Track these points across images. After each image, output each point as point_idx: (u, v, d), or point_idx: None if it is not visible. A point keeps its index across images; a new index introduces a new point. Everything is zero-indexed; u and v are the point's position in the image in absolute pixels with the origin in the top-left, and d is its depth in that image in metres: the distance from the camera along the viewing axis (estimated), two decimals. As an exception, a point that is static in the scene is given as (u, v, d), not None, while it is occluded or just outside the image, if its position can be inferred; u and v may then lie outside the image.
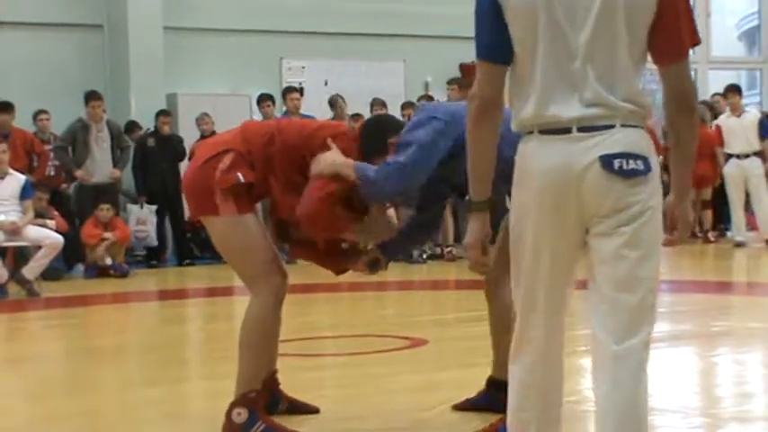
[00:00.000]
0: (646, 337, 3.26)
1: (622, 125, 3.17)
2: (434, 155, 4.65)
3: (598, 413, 3.27)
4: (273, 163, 4.88)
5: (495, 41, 3.29)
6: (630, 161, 3.15)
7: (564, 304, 3.40)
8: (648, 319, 3.26)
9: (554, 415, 3.39)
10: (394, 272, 12.72)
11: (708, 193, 14.89)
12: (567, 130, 3.18)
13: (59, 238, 11.43)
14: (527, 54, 3.23)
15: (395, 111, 13.72)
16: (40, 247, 11.22)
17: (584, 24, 3.15)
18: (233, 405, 4.93)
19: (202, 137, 13.72)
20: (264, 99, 14.33)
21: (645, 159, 3.18)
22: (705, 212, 15.02)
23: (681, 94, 3.25)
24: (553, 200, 3.21)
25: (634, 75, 3.20)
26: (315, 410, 5.48)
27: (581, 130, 3.16)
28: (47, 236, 11.38)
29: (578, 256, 3.33)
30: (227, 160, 4.85)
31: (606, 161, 3.14)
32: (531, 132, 3.23)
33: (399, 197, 5.05)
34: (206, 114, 14.24)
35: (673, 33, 3.19)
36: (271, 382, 5.27)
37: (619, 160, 3.14)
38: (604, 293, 3.26)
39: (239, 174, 4.81)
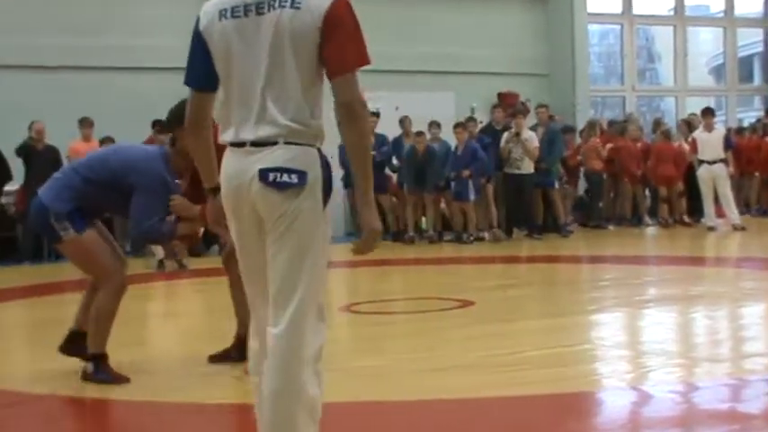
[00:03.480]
0: (299, 330, 2.88)
1: (286, 143, 2.87)
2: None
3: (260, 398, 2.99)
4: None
5: (201, 72, 3.04)
6: (285, 175, 2.85)
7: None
8: (303, 315, 2.88)
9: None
10: (448, 250, 12.76)
11: (679, 189, 14.90)
12: (243, 144, 2.91)
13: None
14: (224, 81, 2.98)
15: (448, 130, 13.73)
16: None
17: (262, 55, 2.86)
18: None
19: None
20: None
21: (301, 173, 2.86)
22: (679, 201, 15.00)
23: (345, 105, 2.89)
24: (233, 203, 2.98)
25: (303, 98, 2.88)
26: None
27: (253, 145, 2.89)
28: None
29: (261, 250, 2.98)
30: None
31: (263, 174, 2.86)
32: (226, 147, 3.00)
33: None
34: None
35: (335, 53, 2.85)
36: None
37: (273, 174, 2.85)
38: (271, 290, 2.92)
39: None
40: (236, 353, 5.22)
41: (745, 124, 18.41)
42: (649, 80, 22.00)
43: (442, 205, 13.83)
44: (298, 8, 2.83)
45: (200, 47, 3.01)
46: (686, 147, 14.63)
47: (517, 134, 13.40)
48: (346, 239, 14.78)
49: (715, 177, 13.71)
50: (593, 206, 15.38)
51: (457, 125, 13.60)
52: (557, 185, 14.02)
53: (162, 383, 5.04)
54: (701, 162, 13.82)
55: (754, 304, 7.46)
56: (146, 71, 14.22)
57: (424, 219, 13.98)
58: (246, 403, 4.47)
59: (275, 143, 2.88)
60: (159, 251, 11.14)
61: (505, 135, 13.58)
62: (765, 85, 20.67)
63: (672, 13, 19.60)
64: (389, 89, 15.90)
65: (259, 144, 2.89)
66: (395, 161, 14.13)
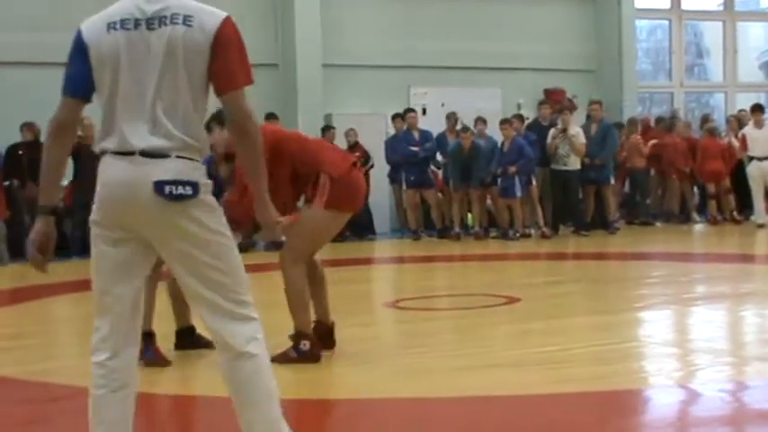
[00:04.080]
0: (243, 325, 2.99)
1: (177, 156, 2.89)
2: None
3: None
4: None
5: (79, 81, 2.97)
6: (180, 187, 2.87)
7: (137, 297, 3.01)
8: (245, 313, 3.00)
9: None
10: (494, 246, 12.72)
11: (726, 184, 14.70)
12: (131, 153, 2.89)
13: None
14: (109, 90, 2.93)
15: (494, 126, 13.67)
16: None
17: (154, 68, 2.88)
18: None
19: (348, 146, 13.95)
20: (396, 117, 14.39)
21: (194, 184, 2.88)
22: (727, 198, 14.80)
23: (236, 119, 2.95)
24: (117, 211, 2.94)
25: (194, 111, 2.92)
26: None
27: (143, 154, 2.87)
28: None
29: (146, 261, 3.01)
30: None
31: (159, 187, 2.86)
32: (106, 153, 2.94)
33: None
34: (351, 129, 14.36)
35: (224, 72, 2.91)
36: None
37: (169, 186, 2.86)
38: (193, 291, 2.97)
39: None
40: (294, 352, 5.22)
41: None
42: (698, 76, 21.66)
43: (488, 202, 13.78)
44: (190, 26, 2.89)
45: (80, 57, 2.98)
46: (736, 143, 14.45)
47: (564, 130, 13.31)
48: (392, 235, 14.81)
49: (765, 174, 13.56)
50: (638, 203, 15.24)
51: (503, 121, 13.54)
52: (612, 181, 13.90)
53: (207, 377, 5.08)
54: (751, 159, 13.68)
55: (806, 303, 7.35)
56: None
57: (469, 215, 13.95)
58: (301, 399, 4.50)
59: (167, 155, 2.89)
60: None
61: (552, 131, 13.50)
62: (817, 81, 20.32)
63: (721, 8, 19.32)
64: (435, 85, 15.91)
65: (151, 155, 2.89)
66: (439, 157, 14.11)
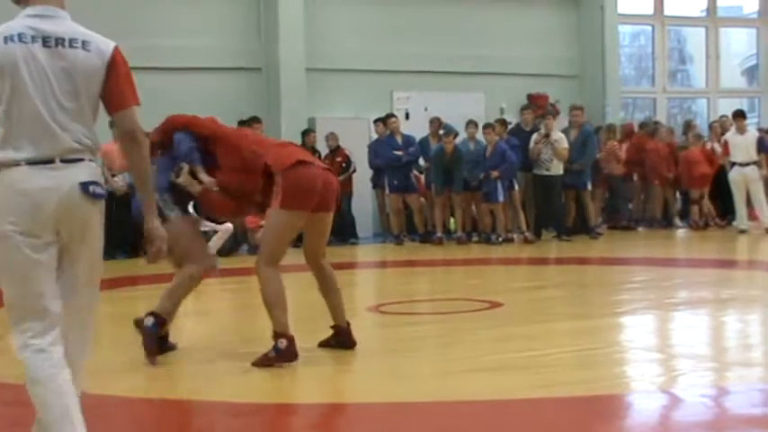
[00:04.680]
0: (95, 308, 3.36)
1: (89, 160, 3.25)
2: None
3: None
4: None
5: None
6: (98, 187, 3.24)
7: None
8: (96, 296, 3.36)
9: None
10: (476, 251, 12.72)
11: (706, 190, 14.87)
12: (51, 161, 3.16)
13: (230, 225, 11.59)
14: (7, 101, 3.17)
15: (477, 130, 13.68)
16: (216, 232, 11.42)
17: (56, 84, 3.18)
18: None
19: (329, 151, 14.02)
20: (378, 121, 14.39)
21: (102, 186, 3.28)
22: (708, 203, 14.94)
23: (129, 133, 3.34)
24: (46, 213, 3.15)
25: (92, 122, 3.29)
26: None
27: (63, 161, 3.18)
28: (222, 223, 11.57)
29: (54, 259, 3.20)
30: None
31: (84, 187, 3.19)
32: (19, 164, 3.15)
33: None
34: (332, 133, 14.35)
35: (116, 93, 3.30)
36: None
37: (93, 186, 3.21)
38: (82, 279, 3.29)
39: None
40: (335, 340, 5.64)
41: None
42: (681, 82, 21.76)
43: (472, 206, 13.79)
44: (88, 51, 3.25)
45: None
46: (718, 148, 14.53)
47: (546, 135, 13.34)
48: (375, 240, 14.80)
49: (747, 180, 13.59)
50: (617, 208, 15.30)
51: (486, 126, 13.55)
52: (589, 187, 13.95)
53: (191, 382, 5.05)
54: (733, 164, 13.72)
55: (787, 308, 7.39)
56: (184, 72, 14.48)
57: (452, 219, 13.95)
58: (285, 403, 4.48)
59: (81, 160, 3.23)
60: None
61: (535, 136, 13.53)
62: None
63: (704, 14, 19.42)
64: (419, 90, 15.92)
65: (70, 160, 3.20)
66: (422, 162, 14.11)
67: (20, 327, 3.15)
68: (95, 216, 3.25)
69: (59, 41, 3.20)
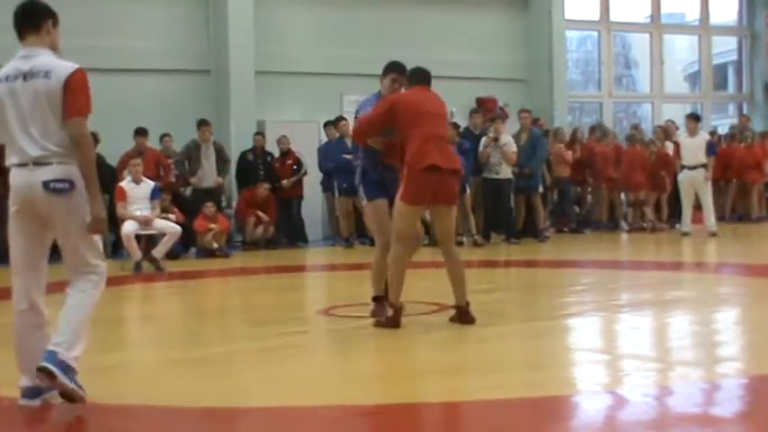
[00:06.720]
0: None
1: (58, 162, 4.24)
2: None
3: None
4: None
5: None
6: (59, 183, 4.23)
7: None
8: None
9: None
10: (426, 253, 12.72)
11: (643, 194, 15.16)
12: (26, 165, 4.26)
13: (178, 228, 11.52)
14: (3, 124, 4.32)
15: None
16: (164, 235, 11.34)
17: (29, 106, 4.25)
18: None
19: (281, 154, 13.91)
20: (328, 125, 14.38)
21: (70, 182, 4.24)
22: (646, 209, 15.17)
23: (77, 137, 4.24)
24: (23, 208, 4.30)
25: (61, 132, 4.24)
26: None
27: (35, 164, 4.25)
28: (170, 226, 11.47)
29: (44, 249, 4.38)
30: None
31: (45, 184, 4.23)
32: (11, 168, 4.31)
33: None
34: (284, 136, 14.33)
35: (66, 104, 4.25)
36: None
37: (53, 183, 4.22)
38: (67, 261, 4.47)
39: None
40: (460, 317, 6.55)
41: (720, 131, 18.55)
42: (626, 86, 22.11)
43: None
44: (49, 78, 4.26)
45: None
46: (670, 151, 14.70)
47: (495, 139, 13.43)
48: (324, 243, 14.78)
49: (695, 183, 13.72)
50: (565, 211, 15.47)
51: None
52: (540, 190, 14.06)
53: (137, 386, 5.01)
54: (683, 167, 13.83)
55: (728, 309, 7.53)
56: (131, 73, 14.34)
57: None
58: (234, 407, 4.46)
59: (50, 163, 4.25)
60: (136, 254, 11.10)
61: (484, 140, 13.61)
62: (739, 93, 20.84)
63: (648, 20, 19.72)
64: (368, 92, 15.85)
65: (39, 164, 4.25)
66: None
67: (19, 275, 4.38)
68: (60, 204, 4.25)
69: (29, 75, 4.27)
